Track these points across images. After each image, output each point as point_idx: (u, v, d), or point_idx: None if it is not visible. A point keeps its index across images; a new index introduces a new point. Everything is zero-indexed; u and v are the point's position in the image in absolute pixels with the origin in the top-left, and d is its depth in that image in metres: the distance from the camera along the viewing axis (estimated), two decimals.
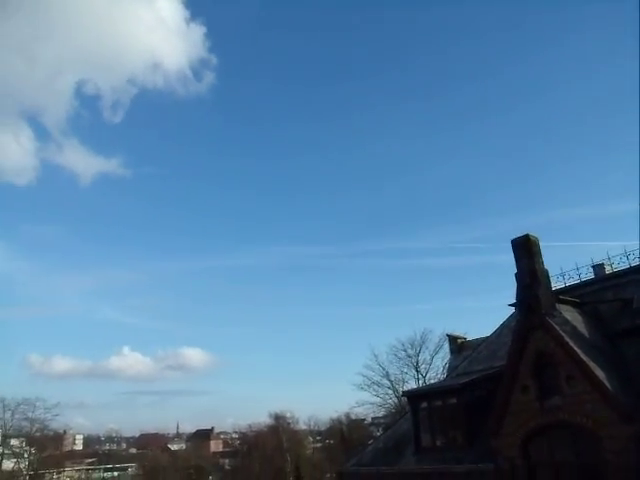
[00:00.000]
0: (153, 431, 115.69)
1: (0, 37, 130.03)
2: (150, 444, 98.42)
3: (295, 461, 62.69)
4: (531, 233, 15.87)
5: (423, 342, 51.34)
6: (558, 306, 15.81)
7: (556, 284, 18.95)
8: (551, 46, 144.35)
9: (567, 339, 14.18)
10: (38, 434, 64.93)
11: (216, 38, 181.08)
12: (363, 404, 54.91)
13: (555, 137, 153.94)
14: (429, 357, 51.18)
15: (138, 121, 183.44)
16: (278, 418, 72.25)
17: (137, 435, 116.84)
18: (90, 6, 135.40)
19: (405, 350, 51.82)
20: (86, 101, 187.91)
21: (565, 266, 19.36)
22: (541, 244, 16.13)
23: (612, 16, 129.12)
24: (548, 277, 15.97)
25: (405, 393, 24.13)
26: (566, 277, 19.36)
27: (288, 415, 74.37)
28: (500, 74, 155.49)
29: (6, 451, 62.70)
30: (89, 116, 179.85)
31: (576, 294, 18.17)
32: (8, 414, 61.79)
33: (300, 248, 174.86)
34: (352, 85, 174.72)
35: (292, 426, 74.45)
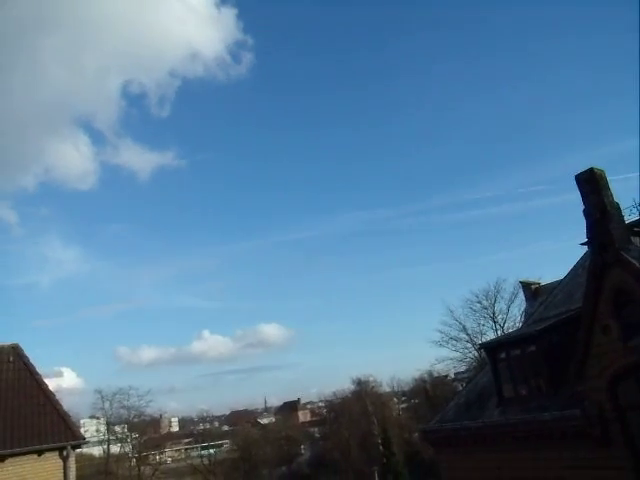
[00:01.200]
0: (242, 408, 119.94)
1: (48, 52, 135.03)
2: (240, 420, 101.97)
3: (382, 423, 63.31)
4: (595, 166, 15.04)
5: (498, 292, 50.66)
6: (633, 239, 14.98)
7: (630, 217, 17.99)
8: None
9: None
10: (136, 420, 68.52)
11: (248, 18, 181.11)
12: (443, 360, 54.90)
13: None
14: (505, 307, 50.48)
15: (185, 112, 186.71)
16: (361, 383, 73.05)
17: (227, 413, 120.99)
18: (123, 10, 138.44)
19: (480, 302, 51.28)
20: (133, 100, 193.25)
21: (637, 197, 18.28)
22: (610, 177, 15.30)
23: None
24: (619, 210, 15.10)
25: (482, 345, 23.79)
26: None
27: (370, 379, 75.15)
28: None
29: (111, 437, 66.65)
30: (138, 114, 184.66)
31: None
32: (107, 404, 65.78)
33: (365, 213, 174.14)
34: (397, 47, 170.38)
35: (375, 389, 75.15)
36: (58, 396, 23.26)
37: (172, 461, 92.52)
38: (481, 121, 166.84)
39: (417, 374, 73.58)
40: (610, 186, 15.10)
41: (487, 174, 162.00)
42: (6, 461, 18.18)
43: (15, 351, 23.66)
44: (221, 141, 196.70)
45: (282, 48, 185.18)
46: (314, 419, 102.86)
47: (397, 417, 72.77)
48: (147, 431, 77.18)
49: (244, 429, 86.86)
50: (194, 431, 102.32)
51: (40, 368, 23.12)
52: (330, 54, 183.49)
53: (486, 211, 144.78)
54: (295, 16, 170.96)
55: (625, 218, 16.21)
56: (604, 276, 14.18)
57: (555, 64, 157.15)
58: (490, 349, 18.54)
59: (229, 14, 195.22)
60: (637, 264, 13.63)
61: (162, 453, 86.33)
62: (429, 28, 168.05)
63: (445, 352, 54.77)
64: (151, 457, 75.00)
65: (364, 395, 70.31)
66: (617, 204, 15.05)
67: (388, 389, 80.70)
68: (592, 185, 14.78)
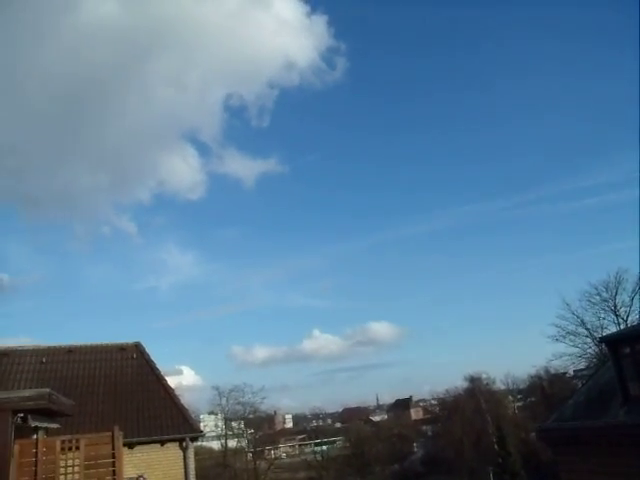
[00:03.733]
0: (354, 405, 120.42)
1: (157, 75, 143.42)
2: (353, 417, 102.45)
3: (496, 422, 61.43)
4: None
5: (619, 283, 47.57)
6: None
7: None
8: None
9: None
10: (251, 416, 70.79)
11: (339, 23, 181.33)
12: (561, 356, 52.29)
13: None
14: (628, 298, 47.31)
15: (284, 120, 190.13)
16: (474, 380, 71.23)
17: (340, 410, 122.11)
18: (219, 30, 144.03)
19: (599, 294, 48.37)
20: (235, 112, 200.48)
21: None
22: None
23: None
24: None
25: (603, 339, 22.45)
26: None
27: (484, 376, 73.15)
28: None
29: (228, 432, 69.38)
30: (240, 125, 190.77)
31: None
32: (224, 400, 68.44)
33: (472, 206, 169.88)
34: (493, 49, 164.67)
35: (489, 387, 73.09)
36: (178, 392, 24.83)
37: (286, 456, 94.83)
38: (591, 102, 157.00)
39: (533, 371, 70.71)
40: None
41: (602, 158, 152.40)
42: (135, 448, 19.75)
43: (138, 349, 25.34)
44: (321, 146, 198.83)
45: (374, 51, 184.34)
46: (426, 417, 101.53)
47: (512, 416, 70.28)
48: (262, 427, 79.54)
49: (356, 426, 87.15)
50: (307, 428, 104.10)
51: (161, 366, 24.73)
52: (425, 56, 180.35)
53: (602, 198, 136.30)
54: (386, 18, 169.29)
55: None
56: None
57: None
58: (612, 343, 17.40)
59: (320, 21, 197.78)
60: None
61: (277, 448, 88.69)
62: (528, 30, 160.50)
63: (562, 347, 52.11)
64: (266, 452, 77.17)
65: (477, 393, 68.45)
66: None
67: (502, 386, 78.15)
68: None
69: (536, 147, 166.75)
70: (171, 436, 20.60)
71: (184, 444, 20.57)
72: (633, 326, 30.80)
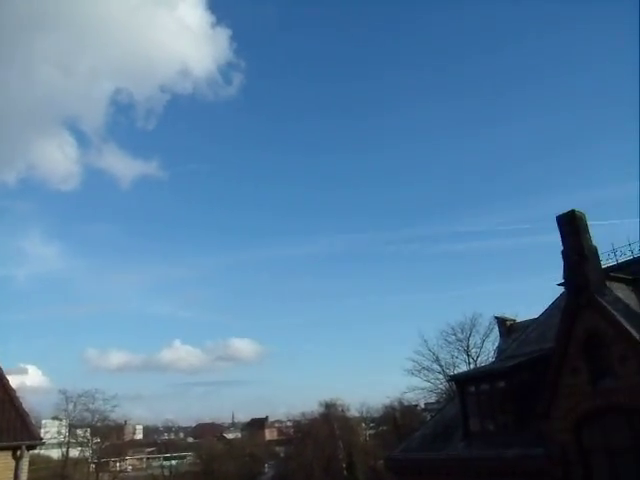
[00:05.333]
0: (209, 421, 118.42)
1: (40, 52, 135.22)
2: (206, 433, 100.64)
3: (347, 448, 62.74)
4: (578, 209, 15.21)
5: (473, 326, 50.80)
6: (609, 284, 15.10)
7: (608, 261, 18.17)
8: None
9: (619, 318, 13.51)
10: (99, 424, 67.27)
11: (243, 40, 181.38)
12: (414, 389, 54.73)
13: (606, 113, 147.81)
14: (480, 341, 50.63)
15: (171, 126, 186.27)
16: (329, 406, 72.54)
17: (194, 425, 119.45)
18: (119, 19, 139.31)
19: (455, 334, 51.40)
20: (122, 108, 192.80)
21: (617, 243, 18.53)
22: (591, 222, 15.49)
23: None
24: (597, 254, 15.28)
25: (452, 377, 23.79)
26: (618, 254, 18.52)
27: (339, 403, 74.68)
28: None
29: (72, 440, 65.26)
30: (125, 122, 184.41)
31: (629, 271, 17.34)
32: (71, 405, 64.46)
33: (345, 236, 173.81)
34: (379, 81, 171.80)
35: (344, 413, 74.65)
36: (20, 394, 22.72)
37: (133, 470, 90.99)
38: (468, 158, 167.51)
39: (387, 401, 73.19)
40: (590, 230, 15.28)
41: (472, 210, 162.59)
42: None
43: None
44: (204, 158, 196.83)
45: (273, 74, 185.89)
46: (280, 438, 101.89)
47: (364, 443, 72.16)
48: (110, 437, 75.74)
49: (209, 442, 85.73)
50: (158, 440, 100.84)
51: (3, 363, 22.55)
52: (321, 84, 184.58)
53: (468, 245, 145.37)
54: (289, 43, 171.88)
55: (602, 263, 16.43)
56: (577, 318, 14.27)
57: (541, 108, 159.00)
58: (460, 382, 18.52)
59: (223, 34, 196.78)
60: (610, 309, 13.74)
61: (123, 461, 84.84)
62: (424, 64, 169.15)
63: (417, 381, 54.69)
64: (111, 464, 73.62)
65: (332, 418, 69.79)
66: (595, 248, 15.22)
67: (357, 414, 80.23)
68: (572, 227, 14.95)
69: (417, 196, 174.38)
70: (5, 443, 18.49)
71: (19, 453, 18.46)
72: (480, 368, 32.82)
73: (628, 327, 13.32)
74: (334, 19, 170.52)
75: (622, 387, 13.19)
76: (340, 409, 74.36)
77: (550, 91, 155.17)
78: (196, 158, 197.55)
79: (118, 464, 78.73)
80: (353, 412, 78.88)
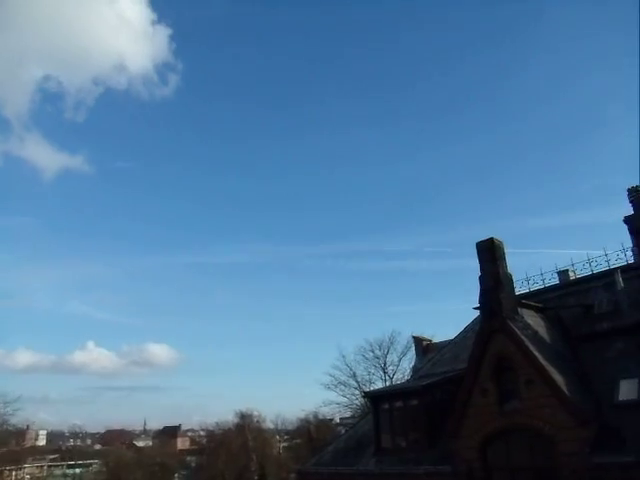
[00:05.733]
0: (119, 427, 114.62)
1: None
2: (115, 440, 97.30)
3: (260, 460, 62.33)
4: (496, 237, 15.97)
5: (391, 343, 51.58)
6: (520, 310, 15.91)
7: (521, 289, 19.19)
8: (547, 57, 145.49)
9: (527, 343, 14.28)
10: None
11: (183, 41, 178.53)
12: (330, 404, 54.97)
13: (527, 152, 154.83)
14: (397, 359, 51.46)
15: (103, 120, 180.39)
16: (244, 417, 71.84)
17: (102, 431, 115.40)
18: (51, 3, 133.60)
19: (373, 351, 52.03)
20: (50, 97, 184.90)
21: (531, 272, 19.60)
22: (507, 250, 16.31)
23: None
24: (511, 281, 16.10)
25: (367, 394, 24.19)
26: (531, 282, 19.61)
27: (255, 413, 74.10)
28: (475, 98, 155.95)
29: None
30: (53, 112, 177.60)
31: (540, 299, 18.35)
32: None
33: (270, 247, 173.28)
34: (319, 105, 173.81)
35: (259, 425, 74.12)
36: None
37: (31, 478, 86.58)
38: (399, 181, 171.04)
39: (302, 414, 73.28)
40: (506, 258, 16.07)
41: (403, 229, 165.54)
42: None
43: None
44: (134, 156, 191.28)
45: (210, 79, 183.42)
46: (193, 447, 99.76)
47: (277, 455, 71.83)
48: (8, 443, 71.57)
49: (117, 450, 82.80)
50: (63, 447, 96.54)
51: None
52: (255, 101, 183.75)
53: (393, 264, 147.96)
54: (229, 50, 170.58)
55: (516, 290, 17.30)
56: (489, 341, 14.96)
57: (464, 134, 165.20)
58: (374, 398, 18.91)
59: (163, 33, 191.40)
60: (520, 334, 14.48)
61: (20, 469, 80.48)
62: (355, 92, 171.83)
63: (333, 396, 55.07)
64: (6, 472, 69.63)
65: (246, 429, 69.17)
66: (510, 275, 16.03)
67: (272, 426, 79.92)
68: (490, 254, 15.70)
69: (349, 214, 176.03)
70: None
71: None
72: (394, 385, 33.51)
73: (535, 352, 14.09)
74: (277, 30, 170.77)
75: (526, 409, 13.92)
76: (256, 420, 73.79)
77: (477, 118, 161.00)
78: (125, 156, 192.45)
79: (14, 472, 74.46)
80: (268, 424, 78.54)
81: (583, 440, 12.91)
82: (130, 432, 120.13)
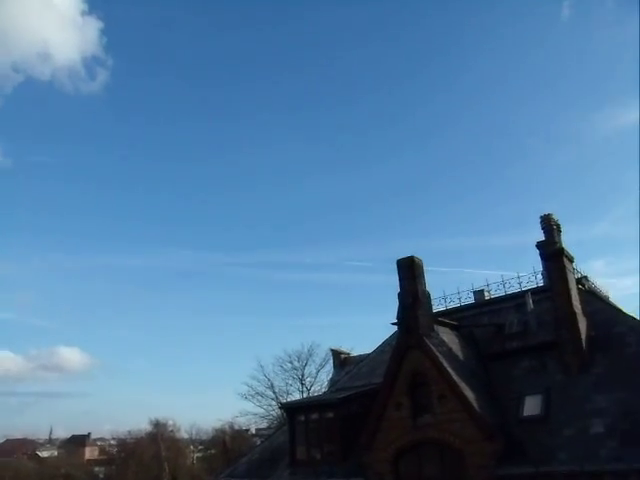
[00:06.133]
0: (21, 436, 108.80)
1: None
2: (17, 451, 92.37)
3: (173, 471, 61.05)
4: (416, 256, 16.48)
5: (310, 355, 51.86)
6: (436, 328, 16.45)
7: (438, 307, 19.86)
8: (465, 78, 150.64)
9: (441, 359, 14.77)
10: None
11: (114, 36, 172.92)
12: (246, 414, 54.59)
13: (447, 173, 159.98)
14: (315, 371, 51.79)
15: (21, 111, 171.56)
16: (158, 425, 70.23)
17: (1, 441, 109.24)
18: None
19: (291, 362, 52.13)
20: None
21: (449, 290, 20.32)
22: (427, 267, 16.86)
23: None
24: (429, 299, 16.64)
25: (283, 405, 24.25)
26: (448, 300, 20.31)
27: (170, 423, 72.63)
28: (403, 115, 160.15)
29: None
30: None
31: (455, 317, 19.03)
32: None
33: (189, 252, 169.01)
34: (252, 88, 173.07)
35: (173, 434, 72.65)
36: None
37: None
38: (323, 195, 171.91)
39: (218, 424, 72.40)
40: (425, 276, 16.61)
41: (325, 243, 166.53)
42: None
43: None
44: (55, 152, 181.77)
45: (141, 77, 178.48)
46: (102, 457, 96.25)
47: (191, 466, 70.57)
48: None
49: (17, 461, 78.48)
50: None
51: None
52: (193, 86, 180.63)
53: (315, 276, 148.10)
54: (162, 43, 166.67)
55: (433, 307, 17.89)
56: (405, 357, 15.38)
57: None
58: (290, 410, 18.97)
59: (94, 25, 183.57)
60: (435, 351, 14.97)
61: None
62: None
63: (250, 406, 54.79)
64: None
65: (160, 438, 67.65)
66: (428, 293, 16.58)
67: (186, 435, 78.46)
68: (410, 271, 16.17)
69: (275, 223, 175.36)
70: None
71: None
72: (310, 397, 33.54)
73: (449, 369, 14.60)
74: (215, 28, 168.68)
75: (438, 423, 14.41)
76: (170, 429, 72.34)
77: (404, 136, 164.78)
78: (46, 150, 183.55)
79: None
80: (183, 433, 77.08)
81: (490, 453, 13.48)
82: (33, 441, 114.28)
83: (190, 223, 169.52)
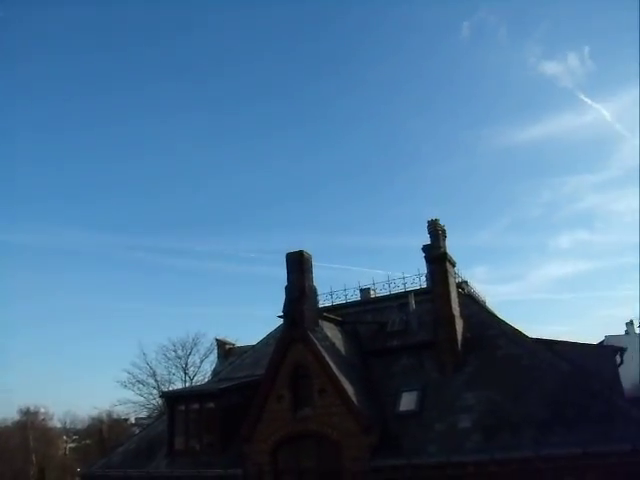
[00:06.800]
0: None
1: None
2: None
3: (41, 462, 58.07)
4: (306, 250, 16.71)
5: (195, 345, 51.17)
6: (321, 322, 16.80)
7: (324, 302, 20.28)
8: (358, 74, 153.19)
9: (324, 354, 15.10)
10: None
11: None
12: (126, 403, 52.91)
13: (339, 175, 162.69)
14: (199, 360, 51.18)
15: None
16: (29, 414, 66.53)
17: None
18: None
19: (175, 351, 51.19)
20: None
21: (336, 286, 20.79)
22: (316, 263, 17.16)
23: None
24: (315, 294, 16.96)
25: (164, 394, 23.78)
26: (334, 297, 20.80)
27: (42, 411, 69.00)
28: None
29: None
30: None
31: (341, 313, 19.51)
32: None
33: (75, 232, 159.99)
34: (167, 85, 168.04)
35: (45, 423, 69.09)
36: None
37: None
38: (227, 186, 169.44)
39: (95, 412, 69.64)
40: (313, 271, 16.89)
41: (218, 231, 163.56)
42: None
43: None
44: None
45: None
46: None
47: (63, 457, 67.37)
48: None
49: None
50: None
51: None
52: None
53: (206, 265, 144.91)
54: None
55: (320, 302, 18.25)
56: (289, 350, 15.60)
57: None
58: (170, 399, 18.65)
59: None
60: (318, 345, 15.28)
61: None
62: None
63: (130, 394, 53.16)
64: None
65: (29, 427, 64.07)
66: (315, 288, 16.89)
67: (60, 425, 74.78)
68: (298, 265, 16.38)
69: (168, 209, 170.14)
70: None
71: None
72: (192, 387, 33.26)
73: (330, 363, 14.96)
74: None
75: (317, 416, 14.75)
76: (42, 418, 68.68)
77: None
78: None
79: None
80: (56, 422, 73.43)
81: (366, 446, 14.01)
82: None
83: (78, 200, 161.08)
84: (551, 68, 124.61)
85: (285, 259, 16.63)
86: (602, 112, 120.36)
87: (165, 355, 51.30)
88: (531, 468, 12.45)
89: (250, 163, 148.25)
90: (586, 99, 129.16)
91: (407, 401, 15.39)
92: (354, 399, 14.51)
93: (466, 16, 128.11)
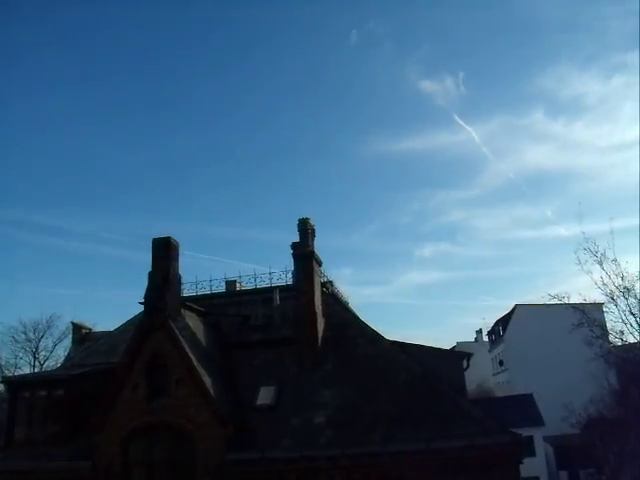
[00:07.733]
0: None
1: None
2: None
3: None
4: (173, 237, 16.37)
5: (49, 327, 48.07)
6: (183, 312, 16.53)
7: (189, 291, 19.89)
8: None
9: (183, 343, 14.89)
10: None
11: None
12: None
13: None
14: (52, 344, 48.22)
15: None
16: None
17: None
18: None
19: (26, 333, 47.86)
20: None
21: (202, 277, 20.47)
22: (184, 252, 16.90)
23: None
24: (179, 282, 16.71)
25: (4, 379, 22.19)
26: (199, 287, 20.45)
27: None
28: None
29: None
30: None
31: (205, 304, 19.24)
32: None
33: None
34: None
35: None
36: None
37: None
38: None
39: None
40: (179, 259, 16.57)
41: (77, 208, 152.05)
42: None
43: None
44: None
45: None
46: None
47: None
48: None
49: None
50: None
51: None
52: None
53: (69, 243, 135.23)
54: None
55: (184, 292, 17.96)
56: (148, 338, 15.20)
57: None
58: (13, 385, 17.32)
59: None
60: (178, 334, 15.03)
61: None
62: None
63: None
64: None
65: None
66: (180, 276, 16.64)
67: None
68: (164, 252, 16.01)
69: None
70: None
71: None
72: (39, 372, 31.34)
73: (189, 353, 14.79)
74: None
75: (173, 406, 14.50)
76: None
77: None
78: None
79: None
80: None
81: (221, 438, 13.99)
82: None
83: None
84: (430, 86, 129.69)
85: (152, 245, 16.18)
86: (472, 134, 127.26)
87: (14, 337, 47.70)
88: (380, 462, 13.16)
89: (117, 143, 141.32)
90: (459, 120, 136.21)
91: (265, 395, 15.53)
92: (211, 391, 14.46)
93: (355, 24, 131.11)
